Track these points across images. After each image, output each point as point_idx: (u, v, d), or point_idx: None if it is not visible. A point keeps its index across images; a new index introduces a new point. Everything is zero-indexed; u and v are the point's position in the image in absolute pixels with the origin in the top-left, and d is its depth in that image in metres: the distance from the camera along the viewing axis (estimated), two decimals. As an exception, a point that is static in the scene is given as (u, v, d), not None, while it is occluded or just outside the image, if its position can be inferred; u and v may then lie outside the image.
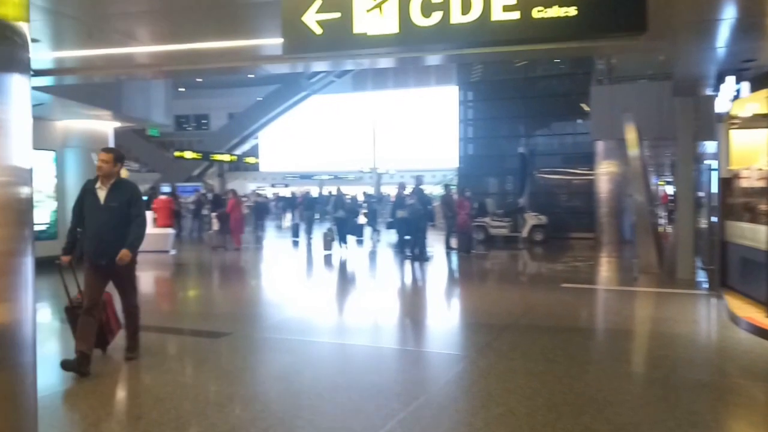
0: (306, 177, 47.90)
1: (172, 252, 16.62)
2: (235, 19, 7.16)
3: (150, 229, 16.88)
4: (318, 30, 4.87)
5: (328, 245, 16.63)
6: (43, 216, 13.63)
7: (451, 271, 14.13)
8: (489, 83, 23.58)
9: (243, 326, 7.78)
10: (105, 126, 14.60)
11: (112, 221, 5.72)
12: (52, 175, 13.83)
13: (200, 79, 48.11)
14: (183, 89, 50.83)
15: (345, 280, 12.44)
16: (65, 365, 5.50)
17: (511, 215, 20.26)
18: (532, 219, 19.62)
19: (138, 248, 5.87)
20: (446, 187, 18.00)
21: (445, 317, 8.78)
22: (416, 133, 46.88)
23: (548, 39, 4.70)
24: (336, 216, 17.16)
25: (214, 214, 17.98)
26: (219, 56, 8.43)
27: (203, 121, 55.29)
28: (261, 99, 47.04)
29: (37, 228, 13.24)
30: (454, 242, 16.74)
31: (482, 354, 6.28)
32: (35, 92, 11.07)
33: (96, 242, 5.75)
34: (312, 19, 4.87)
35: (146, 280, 13.12)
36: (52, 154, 13.84)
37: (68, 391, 5.24)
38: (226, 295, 10.89)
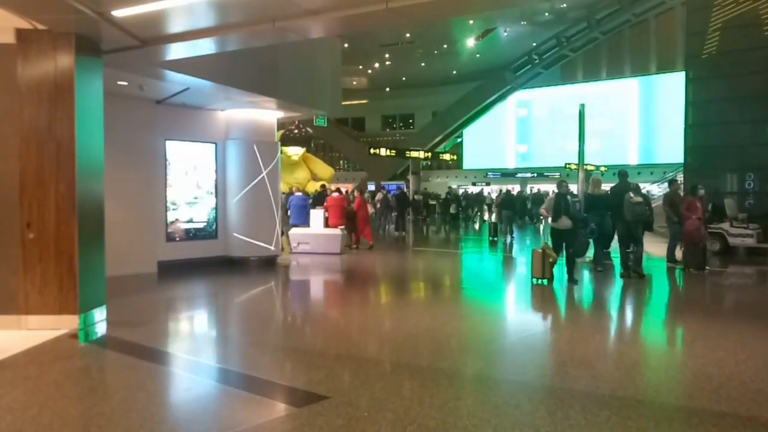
0: (508, 175, 44.32)
1: (342, 254, 14.58)
2: None
3: (321, 229, 15.22)
4: None
5: (542, 270, 10.03)
6: (201, 214, 12.25)
7: (674, 297, 10.17)
8: (728, 54, 18.27)
9: (352, 383, 5.07)
10: (269, 116, 12.87)
11: None
12: (212, 170, 12.41)
13: (404, 78, 47.03)
14: (388, 89, 50.16)
15: (531, 315, 9.18)
16: None
17: (760, 221, 15.22)
18: (790, 226, 14.51)
19: None
20: (671, 183, 13.66)
21: (664, 395, 5.25)
22: (630, 125, 40.89)
23: None
24: (558, 227, 10.39)
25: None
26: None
27: (410, 121, 54.23)
28: (463, 96, 44.53)
29: (195, 226, 11.87)
30: (679, 254, 12.57)
31: None
32: (178, 75, 9.47)
33: None
34: None
35: (274, 290, 11.05)
36: (212, 147, 12.42)
37: None
38: (360, 318, 8.28)
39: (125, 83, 9.91)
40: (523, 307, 9.03)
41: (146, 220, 11.34)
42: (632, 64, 41.86)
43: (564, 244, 10.48)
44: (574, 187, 15.63)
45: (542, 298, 9.20)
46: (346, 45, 37.69)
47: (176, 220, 11.82)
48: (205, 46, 7.55)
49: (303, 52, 12.25)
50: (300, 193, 15.70)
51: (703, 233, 12.26)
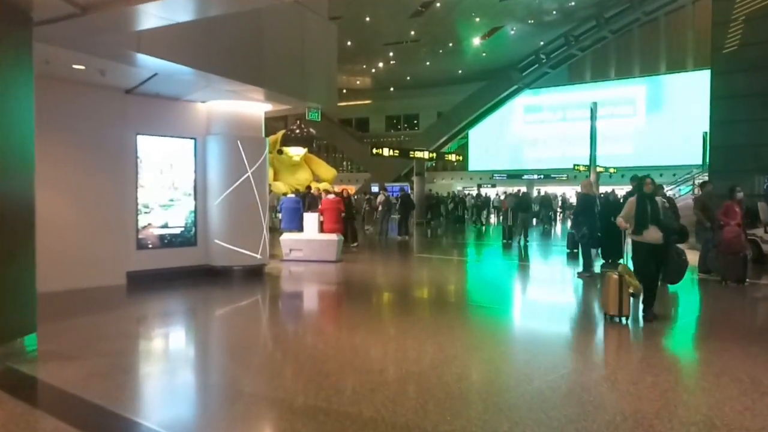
0: (514, 176, 42.69)
1: (338, 261, 13.05)
2: None
3: (316, 234, 13.67)
4: None
5: (618, 304, 7.15)
6: (177, 218, 10.73)
7: (728, 321, 8.58)
8: (755, 47, 16.60)
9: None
10: (255, 108, 11.35)
11: None
12: (190, 168, 10.89)
13: (409, 77, 45.52)
14: (392, 89, 48.64)
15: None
16: None
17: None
18: (832, 232, 12.90)
19: None
20: (704, 185, 12.05)
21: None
22: (639, 126, 39.19)
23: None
24: (645, 242, 7.36)
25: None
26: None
27: (414, 121, 52.66)
28: (468, 96, 42.94)
29: (170, 232, 10.36)
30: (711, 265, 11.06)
31: None
32: (141, 57, 7.97)
33: None
34: None
35: (256, 309, 9.51)
36: (191, 143, 10.90)
37: None
38: (350, 349, 6.71)
39: (82, 67, 8.41)
40: (570, 345, 7.45)
41: (114, 225, 9.84)
42: (641, 64, 40.21)
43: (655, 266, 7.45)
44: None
45: (618, 340, 6.82)
46: (349, 43, 36.23)
47: (149, 225, 10.30)
48: (156, 14, 6.03)
49: (293, 36, 10.75)
50: (292, 195, 14.16)
51: (744, 241, 10.68)
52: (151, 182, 10.32)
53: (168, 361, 6.12)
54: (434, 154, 32.63)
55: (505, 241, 18.30)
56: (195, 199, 10.89)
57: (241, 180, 10.92)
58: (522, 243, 17.85)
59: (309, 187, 16.77)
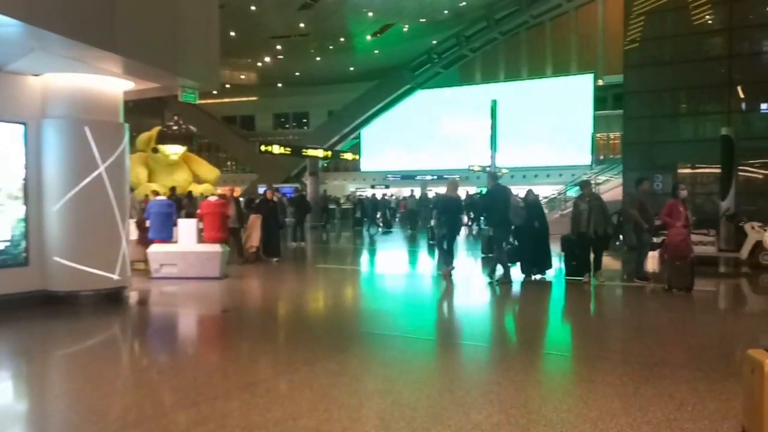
0: (408, 177, 41.45)
1: (223, 278, 10.55)
2: None
3: (195, 245, 11.06)
4: None
5: None
6: (2, 228, 7.81)
7: (719, 341, 7.12)
8: (670, 40, 15.99)
9: None
10: (110, 85, 8.61)
11: None
12: (19, 163, 8.00)
13: (298, 74, 43.10)
14: (280, 85, 45.92)
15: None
16: None
17: (717, 226, 12.93)
18: (756, 232, 12.19)
19: None
20: (640, 182, 10.74)
21: None
22: (530, 127, 39.21)
23: None
24: None
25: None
26: None
27: (303, 120, 50.15)
28: (361, 94, 41.20)
29: (-12, 248, 7.43)
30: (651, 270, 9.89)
31: None
32: None
33: None
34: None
35: (108, 353, 6.92)
36: (20, 129, 8.01)
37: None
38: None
39: None
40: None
41: None
42: (529, 67, 40.37)
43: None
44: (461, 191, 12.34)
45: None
46: (233, 33, 33.23)
47: (-46, 239, 7.36)
48: None
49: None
50: (162, 197, 11.39)
51: (690, 246, 9.48)
52: (-43, 181, 7.39)
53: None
54: (329, 153, 30.48)
55: (430, 242, 17.70)
56: (26, 203, 7.98)
57: (91, 178, 8.17)
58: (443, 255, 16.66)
59: (173, 189, 13.94)
